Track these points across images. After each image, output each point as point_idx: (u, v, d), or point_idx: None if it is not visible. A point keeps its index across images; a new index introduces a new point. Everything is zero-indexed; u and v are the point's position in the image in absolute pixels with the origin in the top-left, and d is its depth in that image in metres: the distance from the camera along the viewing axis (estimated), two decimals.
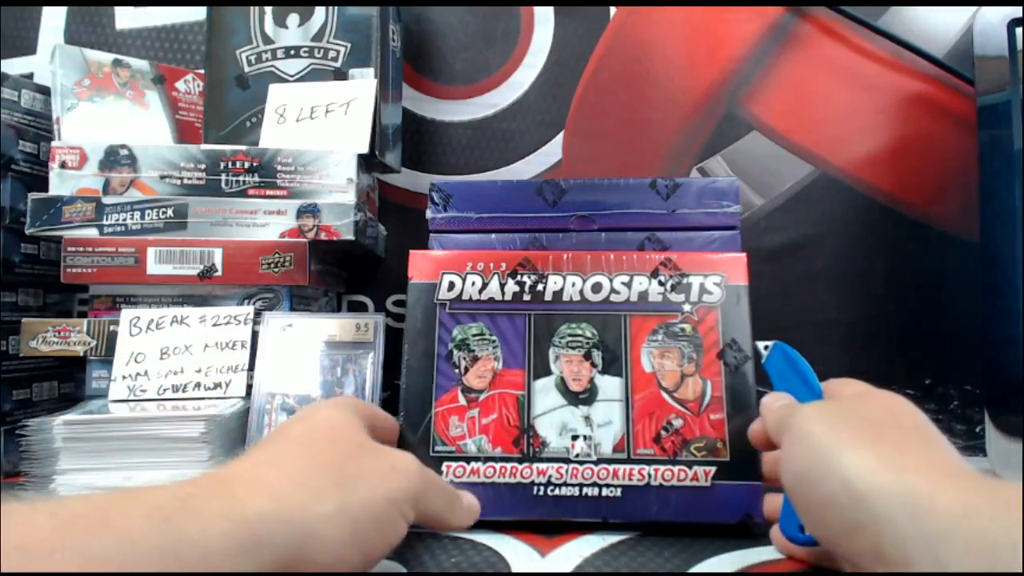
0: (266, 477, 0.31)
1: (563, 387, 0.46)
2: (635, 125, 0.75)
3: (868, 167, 0.74)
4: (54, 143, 0.62)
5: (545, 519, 0.43)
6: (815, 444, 0.31)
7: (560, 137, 0.76)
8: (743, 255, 0.50)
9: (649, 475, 0.43)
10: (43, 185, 0.62)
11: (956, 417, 0.73)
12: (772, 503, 0.42)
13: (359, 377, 0.56)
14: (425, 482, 0.35)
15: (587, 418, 0.45)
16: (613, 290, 0.49)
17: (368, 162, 0.66)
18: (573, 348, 0.47)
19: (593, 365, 0.47)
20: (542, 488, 0.43)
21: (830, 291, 0.74)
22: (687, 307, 0.48)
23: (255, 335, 0.58)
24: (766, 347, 0.43)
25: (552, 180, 0.56)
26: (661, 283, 0.49)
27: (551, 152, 0.76)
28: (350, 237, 0.60)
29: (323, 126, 0.65)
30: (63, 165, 0.62)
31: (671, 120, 0.75)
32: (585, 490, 0.43)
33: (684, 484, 0.43)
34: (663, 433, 0.44)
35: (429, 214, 0.56)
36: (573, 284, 0.49)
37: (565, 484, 0.43)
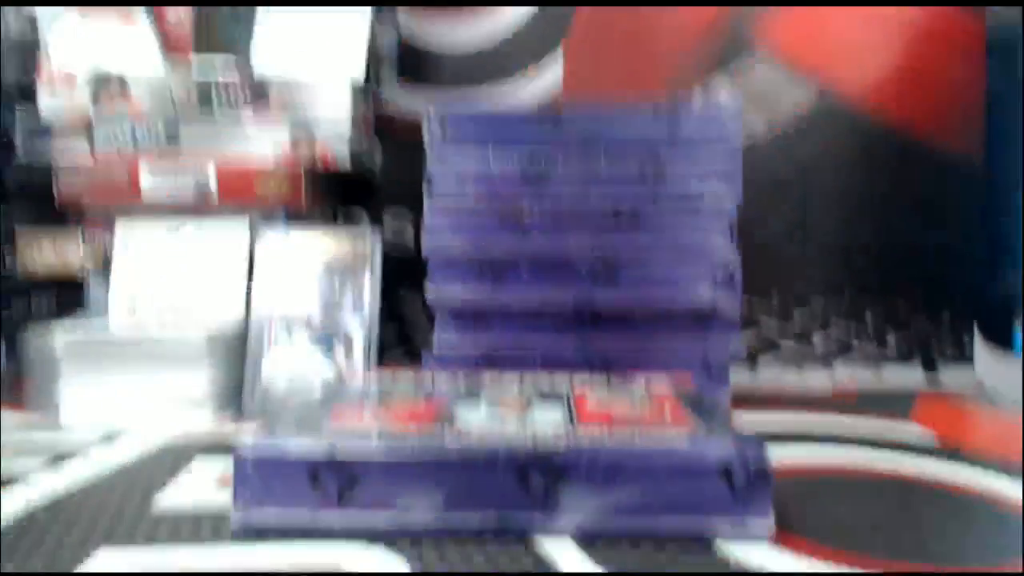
0: None
1: (494, 405, 0.39)
2: (640, 46, 0.74)
3: (874, 92, 0.73)
4: (43, 64, 0.61)
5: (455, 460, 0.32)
6: None
7: (562, 58, 0.74)
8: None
9: (603, 435, 0.33)
10: (34, 108, 0.61)
11: (946, 330, 0.74)
12: None
13: (356, 294, 0.56)
14: None
15: (521, 420, 0.36)
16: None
17: (363, 86, 0.65)
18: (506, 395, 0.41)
19: (528, 402, 0.40)
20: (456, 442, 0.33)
21: (831, 214, 0.74)
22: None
23: (252, 252, 0.58)
24: None
25: (552, 108, 0.55)
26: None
27: (553, 73, 0.75)
28: (345, 163, 0.59)
29: (317, 50, 0.64)
30: (53, 86, 0.60)
31: (677, 41, 0.74)
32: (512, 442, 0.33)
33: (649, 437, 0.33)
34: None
35: (427, 133, 0.55)
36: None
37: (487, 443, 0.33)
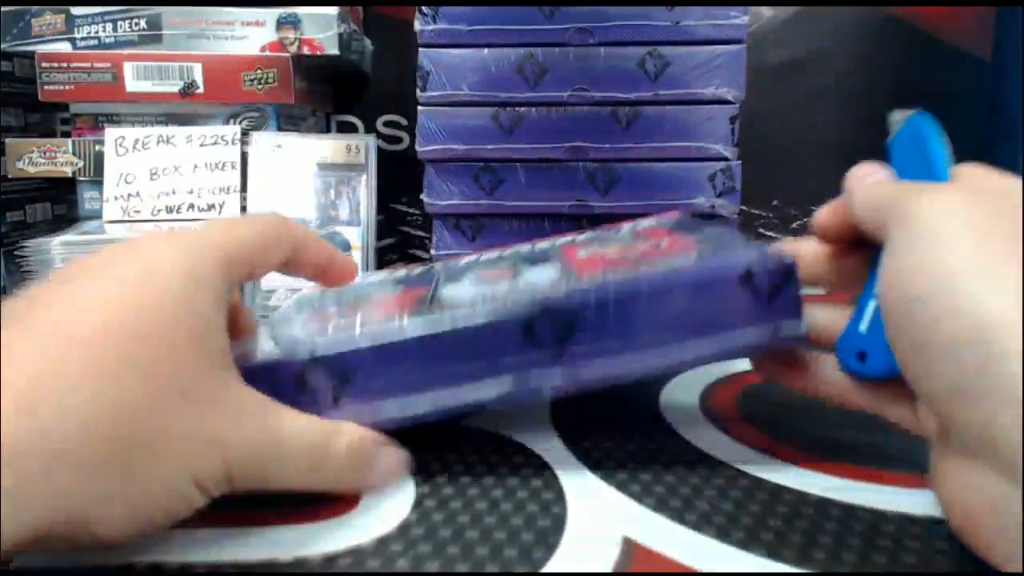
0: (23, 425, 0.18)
1: (480, 279, 0.35)
2: None
3: None
4: None
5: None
6: (946, 256, 0.21)
7: None
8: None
9: (605, 274, 0.31)
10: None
11: None
12: (822, 314, 0.29)
13: (353, 199, 0.56)
14: (266, 447, 0.24)
15: (513, 284, 0.33)
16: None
17: None
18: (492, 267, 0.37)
19: (516, 268, 0.36)
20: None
21: (833, 110, 0.73)
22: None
23: (244, 156, 0.57)
24: (901, 119, 0.30)
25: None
26: None
27: None
28: (334, 51, 0.57)
29: None
30: None
31: None
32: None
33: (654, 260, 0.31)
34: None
35: (418, 26, 0.53)
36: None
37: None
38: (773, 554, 0.23)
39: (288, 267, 0.30)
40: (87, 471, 0.19)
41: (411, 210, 0.74)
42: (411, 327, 0.29)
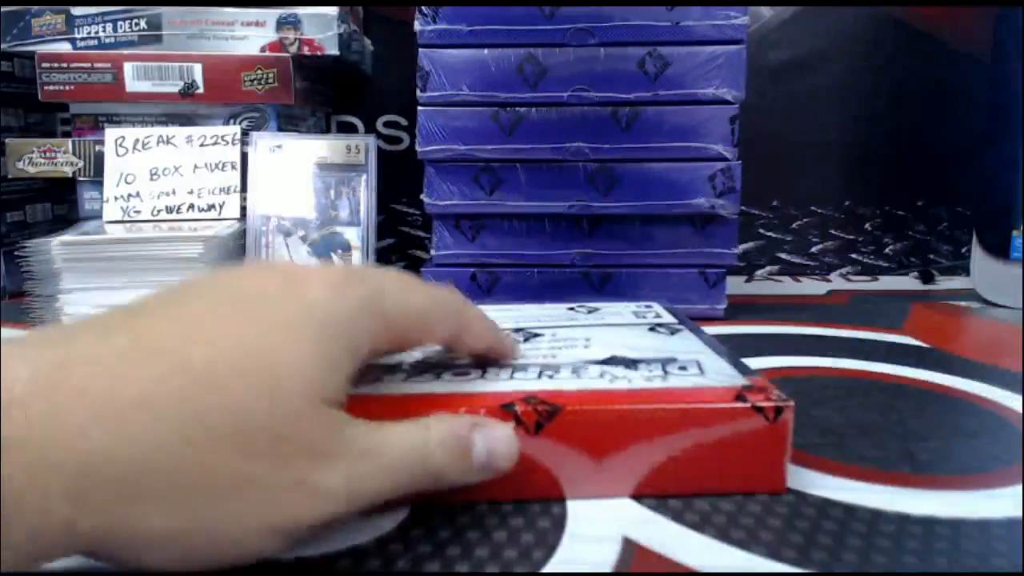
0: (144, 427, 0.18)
1: None
2: None
3: None
4: None
5: None
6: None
7: None
8: None
9: None
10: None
11: (943, 238, 0.74)
12: None
13: (353, 200, 0.56)
14: (372, 474, 0.22)
15: None
16: None
17: None
18: None
19: None
20: None
21: (832, 111, 0.73)
22: None
23: (244, 156, 0.57)
24: None
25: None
26: None
27: None
28: (335, 52, 0.57)
29: None
30: None
31: None
32: None
33: None
34: None
35: (418, 27, 0.53)
36: None
37: None
38: (773, 554, 0.23)
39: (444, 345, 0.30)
40: (140, 502, 0.18)
41: (411, 210, 0.74)
42: None
